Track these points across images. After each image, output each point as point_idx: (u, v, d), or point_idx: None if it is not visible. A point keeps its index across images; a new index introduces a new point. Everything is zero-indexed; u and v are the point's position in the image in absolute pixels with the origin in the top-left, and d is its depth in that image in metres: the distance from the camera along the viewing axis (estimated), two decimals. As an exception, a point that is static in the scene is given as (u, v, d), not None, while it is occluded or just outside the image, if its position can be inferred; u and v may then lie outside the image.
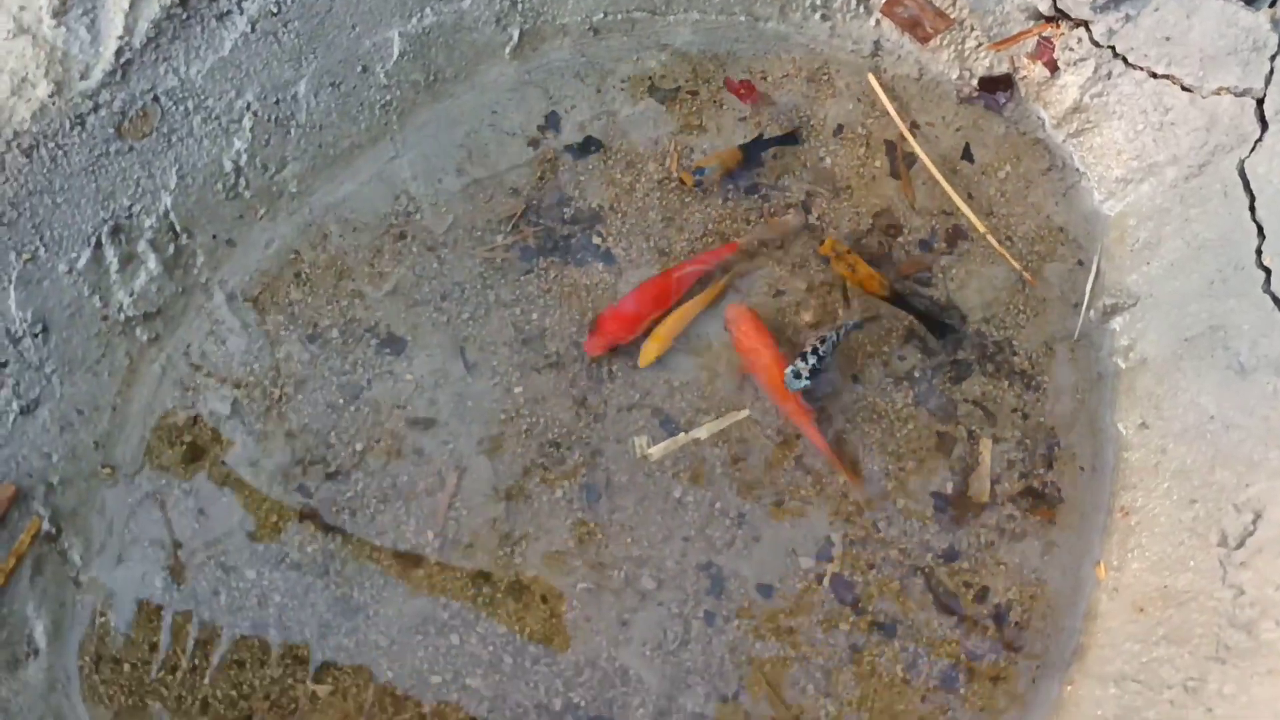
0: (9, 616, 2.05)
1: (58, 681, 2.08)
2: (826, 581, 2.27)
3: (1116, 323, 2.42)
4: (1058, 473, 2.36)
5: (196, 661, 2.13)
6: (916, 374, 2.40)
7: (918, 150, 2.53)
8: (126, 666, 2.11)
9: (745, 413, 2.37)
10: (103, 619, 2.13)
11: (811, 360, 2.24)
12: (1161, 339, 2.33)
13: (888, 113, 2.56)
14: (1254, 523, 2.09)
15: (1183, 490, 2.20)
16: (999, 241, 2.47)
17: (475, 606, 2.20)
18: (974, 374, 2.41)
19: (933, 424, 2.38)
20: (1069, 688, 2.21)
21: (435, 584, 2.21)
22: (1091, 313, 2.44)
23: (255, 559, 2.20)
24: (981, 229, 2.49)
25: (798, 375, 2.24)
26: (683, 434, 2.34)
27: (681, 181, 2.47)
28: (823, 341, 2.27)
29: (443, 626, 2.19)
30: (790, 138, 2.52)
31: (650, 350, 2.36)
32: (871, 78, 2.58)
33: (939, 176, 2.51)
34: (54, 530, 2.12)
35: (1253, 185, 2.24)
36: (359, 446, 2.28)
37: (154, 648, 2.13)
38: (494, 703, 2.16)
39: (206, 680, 2.13)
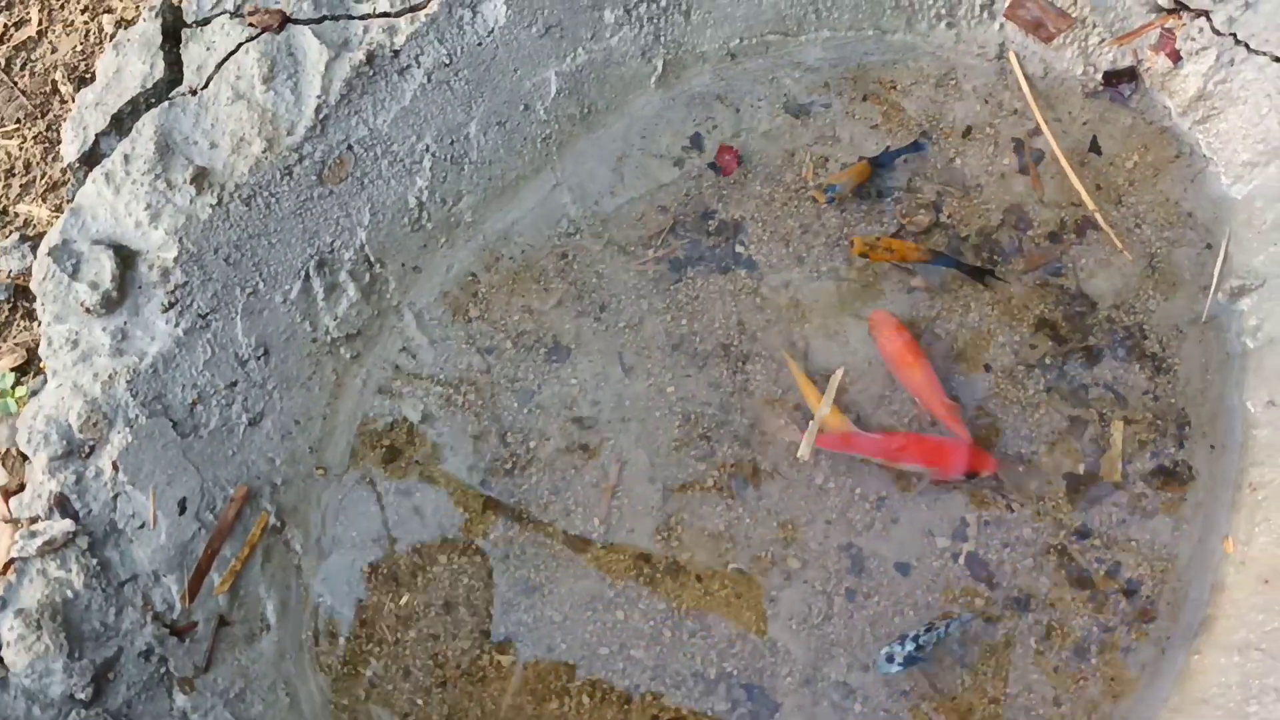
0: (246, 597, 2.43)
1: (286, 652, 2.44)
2: (962, 560, 2.42)
3: (1244, 304, 2.48)
4: (1188, 451, 2.44)
5: (399, 634, 2.46)
6: (1048, 360, 2.52)
7: (1048, 134, 2.64)
8: (341, 640, 2.46)
9: (841, 370, 2.53)
10: (320, 599, 2.49)
11: (909, 647, 2.32)
12: (1288, 318, 2.40)
13: (1016, 111, 2.68)
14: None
15: (1307, 466, 2.27)
16: (1121, 229, 2.56)
17: (637, 585, 2.46)
18: (1105, 359, 2.51)
19: (1065, 409, 2.49)
20: (1196, 657, 2.29)
21: (602, 565, 2.48)
22: (1220, 295, 2.50)
23: (446, 545, 2.51)
24: (1091, 206, 2.59)
25: (890, 659, 2.32)
26: (811, 421, 2.52)
27: (815, 199, 2.65)
28: (929, 629, 2.35)
29: (609, 603, 2.45)
30: (915, 146, 2.67)
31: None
32: (1012, 56, 2.70)
33: (1063, 159, 2.61)
34: (279, 524, 2.49)
35: (1377, 165, 2.28)
36: (532, 444, 2.56)
37: (363, 624, 2.47)
38: (655, 671, 2.40)
39: (408, 651, 2.45)
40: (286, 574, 2.49)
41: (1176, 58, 2.55)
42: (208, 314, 2.45)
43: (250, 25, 2.53)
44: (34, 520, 2.27)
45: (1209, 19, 2.47)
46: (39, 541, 2.21)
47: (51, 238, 2.40)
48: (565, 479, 2.54)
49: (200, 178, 2.43)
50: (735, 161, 2.72)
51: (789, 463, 2.50)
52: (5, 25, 2.86)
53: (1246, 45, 2.44)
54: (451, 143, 2.63)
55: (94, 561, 2.28)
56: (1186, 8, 2.49)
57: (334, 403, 2.60)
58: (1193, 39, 2.50)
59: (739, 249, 2.67)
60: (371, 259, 2.61)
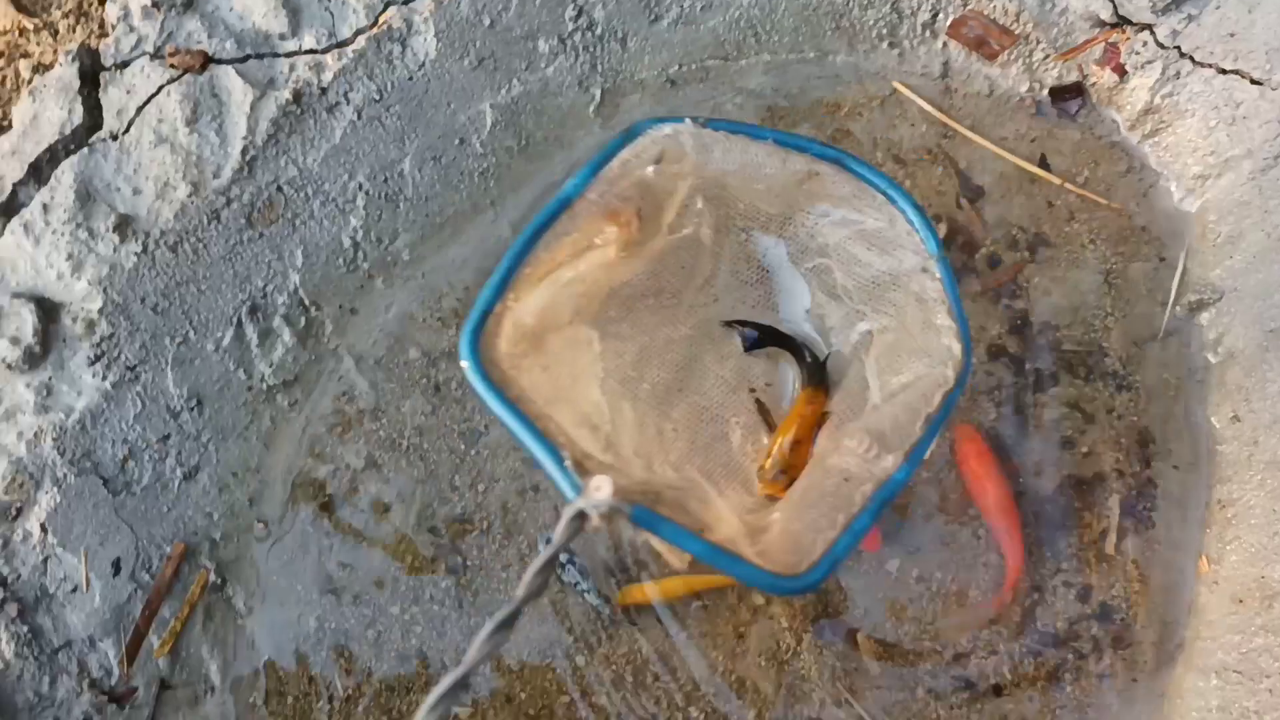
0: (188, 659, 2.32)
1: (233, 714, 2.33)
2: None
3: (1203, 318, 2.44)
4: (1155, 471, 2.39)
5: (350, 690, 2.35)
6: (1003, 389, 2.46)
7: (964, 133, 2.60)
8: (289, 699, 2.35)
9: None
10: (266, 658, 2.38)
11: None
12: (1247, 332, 2.35)
13: (960, 132, 2.64)
14: (1343, 510, 2.11)
15: (1275, 481, 2.21)
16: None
17: (598, 630, 2.37)
18: (1063, 381, 2.46)
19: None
20: (1174, 682, 2.25)
21: (560, 611, 2.38)
22: (1178, 309, 2.46)
23: (397, 596, 2.41)
24: (1059, 181, 2.55)
25: None
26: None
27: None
28: None
29: (568, 649, 2.36)
30: None
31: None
32: (898, 84, 2.68)
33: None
34: (219, 581, 2.38)
35: (1328, 172, 2.26)
36: (481, 488, 2.47)
37: (312, 680, 2.37)
38: (622, 717, 2.32)
39: (360, 708, 2.34)
40: (229, 632, 2.38)
41: (1122, 72, 2.52)
42: (136, 366, 2.35)
43: (171, 67, 2.44)
44: (-45, 590, 2.16)
45: (1152, 33, 2.44)
46: (-39, 613, 2.11)
47: (-32, 292, 2.30)
48: (517, 522, 2.44)
49: (123, 225, 2.34)
50: None
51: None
52: (-82, 73, 2.76)
53: (1191, 58, 2.42)
54: (385, 180, 2.55)
55: (24, 629, 2.17)
56: (1130, 21, 2.46)
57: (272, 453, 2.49)
58: (1137, 53, 2.47)
59: (688, 279, 2.60)
60: (306, 302, 2.52)
